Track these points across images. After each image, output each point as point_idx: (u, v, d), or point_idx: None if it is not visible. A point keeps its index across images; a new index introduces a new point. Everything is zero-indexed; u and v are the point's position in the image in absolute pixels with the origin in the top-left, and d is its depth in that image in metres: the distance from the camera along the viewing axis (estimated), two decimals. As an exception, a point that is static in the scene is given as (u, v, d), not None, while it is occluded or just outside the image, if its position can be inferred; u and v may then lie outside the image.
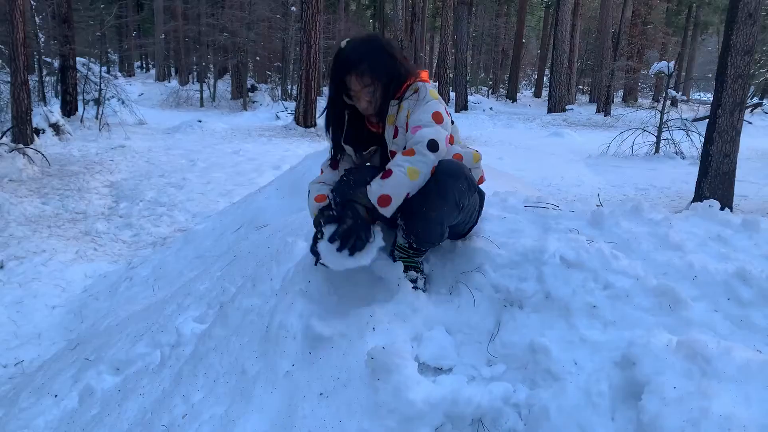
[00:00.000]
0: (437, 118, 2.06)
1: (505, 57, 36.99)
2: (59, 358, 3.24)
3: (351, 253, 1.94)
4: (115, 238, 7.11)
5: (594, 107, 27.06)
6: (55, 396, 2.69)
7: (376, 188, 1.95)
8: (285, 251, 2.34)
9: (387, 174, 1.96)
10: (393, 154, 2.16)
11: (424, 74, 2.23)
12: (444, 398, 1.68)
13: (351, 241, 1.92)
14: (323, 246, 1.97)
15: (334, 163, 2.33)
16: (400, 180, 1.94)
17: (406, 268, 2.16)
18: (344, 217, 1.95)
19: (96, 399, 2.47)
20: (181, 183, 9.64)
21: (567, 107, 25.59)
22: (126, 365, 2.61)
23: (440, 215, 2.02)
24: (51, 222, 7.50)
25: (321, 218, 2.06)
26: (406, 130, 2.08)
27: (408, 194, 1.98)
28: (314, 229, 2.10)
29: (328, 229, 1.97)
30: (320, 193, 2.23)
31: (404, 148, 2.06)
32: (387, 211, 1.96)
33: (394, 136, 2.15)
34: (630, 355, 1.69)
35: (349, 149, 2.29)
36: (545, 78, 35.54)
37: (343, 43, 2.16)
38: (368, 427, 1.67)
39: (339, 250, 1.93)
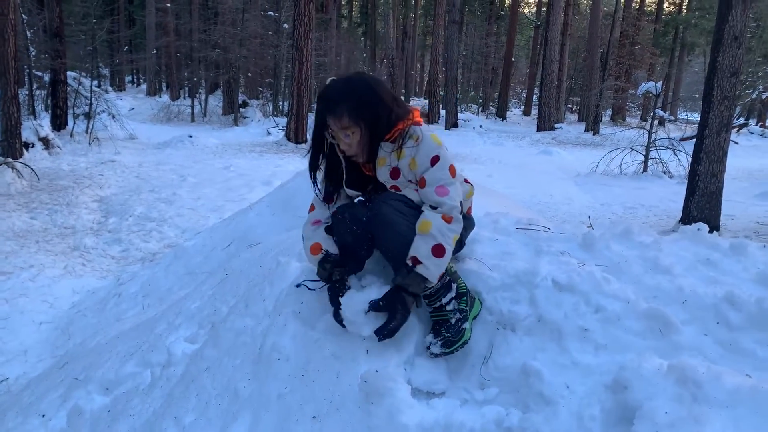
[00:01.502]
0: (452, 171, 2.08)
1: (495, 75, 37.34)
2: (47, 377, 3.21)
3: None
4: (103, 253, 7.07)
5: (583, 126, 27.33)
6: (43, 416, 2.66)
7: (434, 270, 1.94)
8: (278, 271, 2.34)
9: (439, 251, 1.94)
10: (396, 188, 2.11)
11: (416, 113, 2.17)
12: (437, 422, 1.68)
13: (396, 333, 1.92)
14: (349, 313, 1.94)
15: (327, 197, 2.25)
16: (449, 252, 1.99)
17: (433, 325, 2.06)
18: (395, 312, 1.91)
19: (85, 420, 2.44)
20: (171, 198, 9.61)
21: (556, 126, 25.81)
22: (115, 385, 2.58)
23: (399, 237, 1.98)
24: (39, 237, 7.44)
25: (333, 279, 2.08)
26: (419, 182, 2.06)
27: None
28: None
29: (369, 316, 1.92)
30: (315, 242, 2.16)
31: (425, 200, 2.05)
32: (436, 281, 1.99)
33: (394, 177, 2.10)
34: (622, 379, 1.70)
35: (353, 192, 2.23)
36: (534, 96, 35.88)
37: (328, 81, 2.13)
38: (361, 451, 1.66)
39: (381, 337, 1.91)
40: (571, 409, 1.72)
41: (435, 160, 2.05)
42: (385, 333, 1.90)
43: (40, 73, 16.51)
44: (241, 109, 23.27)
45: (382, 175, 2.11)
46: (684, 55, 34.43)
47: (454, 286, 2.08)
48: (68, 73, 16.30)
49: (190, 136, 16.41)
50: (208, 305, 2.85)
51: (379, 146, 2.09)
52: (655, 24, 34.03)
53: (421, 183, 2.06)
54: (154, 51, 31.34)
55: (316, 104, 2.14)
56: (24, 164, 10.38)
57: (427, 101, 29.22)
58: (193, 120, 23.45)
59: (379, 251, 2.12)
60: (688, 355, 1.82)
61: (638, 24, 32.18)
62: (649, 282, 2.19)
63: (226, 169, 12.61)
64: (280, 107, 24.14)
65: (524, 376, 1.86)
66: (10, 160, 10.36)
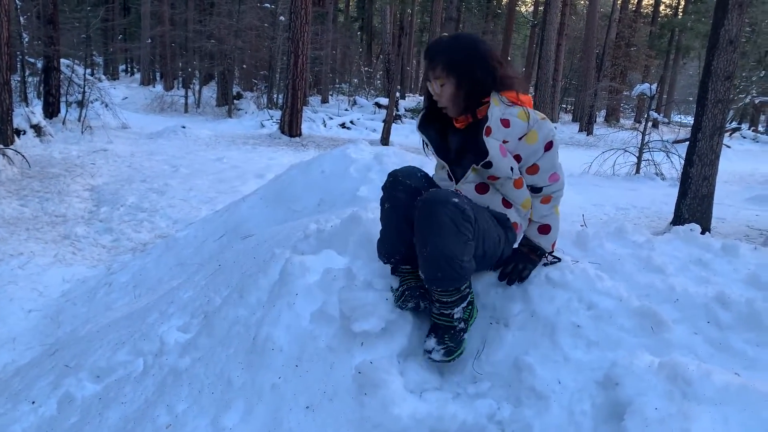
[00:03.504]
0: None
1: (491, 73, 37.23)
2: (37, 364, 3.19)
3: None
4: (94, 242, 7.04)
5: (577, 126, 27.39)
6: (33, 403, 2.65)
7: (546, 244, 2.22)
8: (272, 263, 2.34)
9: (545, 229, 2.21)
10: (493, 178, 2.10)
11: (526, 99, 2.14)
12: (430, 414, 1.69)
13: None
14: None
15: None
16: (558, 222, 2.25)
17: (436, 328, 2.01)
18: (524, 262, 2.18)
19: (76, 406, 2.43)
20: (163, 189, 9.56)
21: (550, 125, 25.82)
22: (107, 373, 2.58)
23: (443, 245, 1.88)
24: (29, 224, 7.40)
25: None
26: (532, 167, 2.12)
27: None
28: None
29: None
30: None
31: (533, 183, 2.17)
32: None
33: (504, 155, 2.06)
34: (613, 376, 1.72)
35: (439, 160, 2.23)
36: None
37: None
38: (353, 442, 1.67)
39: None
40: (563, 404, 1.74)
41: (549, 145, 2.12)
42: (512, 277, 2.16)
43: (33, 60, 16.35)
44: (235, 101, 23.15)
45: (494, 147, 2.04)
46: (679, 58, 34.50)
47: (470, 297, 2.06)
48: (62, 60, 16.13)
49: (183, 127, 16.29)
50: (201, 295, 2.85)
51: (496, 101, 2.07)
52: (651, 26, 34.13)
53: (533, 169, 2.13)
54: (149, 40, 31.07)
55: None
56: (15, 151, 10.30)
57: (422, 98, 29.21)
58: (186, 111, 23.30)
59: (416, 244, 1.98)
60: (678, 353, 1.84)
61: (634, 26, 32.29)
62: (641, 280, 2.21)
63: (219, 160, 12.55)
64: (275, 100, 24.03)
65: (516, 370, 1.87)
66: (1, 146, 10.27)
